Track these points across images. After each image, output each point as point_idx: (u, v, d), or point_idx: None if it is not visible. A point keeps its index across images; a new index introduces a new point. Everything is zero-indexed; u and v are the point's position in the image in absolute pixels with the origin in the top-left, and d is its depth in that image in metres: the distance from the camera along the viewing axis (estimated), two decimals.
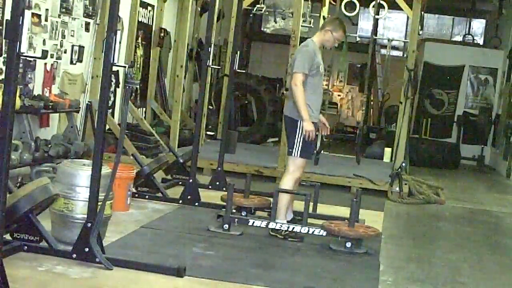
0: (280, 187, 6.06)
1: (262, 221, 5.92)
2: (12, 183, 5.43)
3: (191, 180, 6.98)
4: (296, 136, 5.93)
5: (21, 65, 6.91)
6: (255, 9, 13.27)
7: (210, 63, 7.40)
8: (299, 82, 5.82)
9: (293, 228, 5.85)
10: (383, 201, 8.49)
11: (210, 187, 7.77)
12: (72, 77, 8.50)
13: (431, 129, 14.56)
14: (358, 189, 6.91)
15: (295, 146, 5.94)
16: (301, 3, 9.23)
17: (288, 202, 6.03)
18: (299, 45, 9.24)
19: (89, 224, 4.58)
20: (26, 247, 4.65)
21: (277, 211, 5.94)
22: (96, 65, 8.67)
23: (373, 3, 12.64)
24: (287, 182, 6.00)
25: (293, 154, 5.97)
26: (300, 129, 5.91)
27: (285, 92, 10.09)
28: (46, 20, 7.68)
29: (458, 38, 18.44)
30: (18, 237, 4.69)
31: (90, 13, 8.72)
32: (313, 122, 5.93)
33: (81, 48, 8.66)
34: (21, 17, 3.47)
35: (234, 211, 6.30)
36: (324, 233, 5.78)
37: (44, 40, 7.68)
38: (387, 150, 11.19)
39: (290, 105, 6.05)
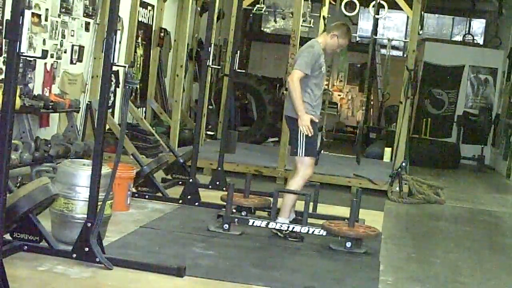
0: (289, 187, 6.06)
1: (262, 221, 5.93)
2: (12, 183, 5.43)
3: (191, 180, 6.98)
4: (298, 135, 5.94)
5: (21, 65, 6.91)
6: (255, 9, 13.27)
7: (210, 63, 7.40)
8: (296, 79, 5.82)
9: (293, 227, 5.85)
10: (383, 201, 8.49)
11: (210, 187, 7.77)
12: (72, 77, 8.50)
13: (431, 129, 14.55)
14: (358, 189, 6.91)
15: (299, 146, 5.95)
16: (301, 3, 9.24)
17: (294, 202, 6.05)
18: (299, 45, 9.27)
19: (89, 224, 4.58)
20: (26, 247, 4.65)
21: (282, 209, 5.97)
22: (96, 65, 8.68)
23: (373, 3, 12.63)
24: (297, 182, 5.99)
25: (298, 154, 5.97)
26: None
27: (285, 92, 10.09)
28: (46, 20, 7.69)
29: (458, 38, 18.43)
30: (18, 237, 4.69)
31: (90, 13, 8.72)
32: (314, 122, 5.95)
33: (81, 48, 8.67)
34: (21, 17, 3.47)
35: (234, 211, 6.30)
36: (324, 233, 5.78)
37: (44, 40, 7.68)
38: (387, 150, 11.19)
39: (290, 105, 6.06)
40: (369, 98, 15.15)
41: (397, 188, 8.76)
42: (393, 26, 19.86)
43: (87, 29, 8.74)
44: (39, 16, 7.49)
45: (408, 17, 15.27)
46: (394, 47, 17.50)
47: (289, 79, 5.90)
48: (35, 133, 7.53)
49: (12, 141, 3.79)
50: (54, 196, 4.80)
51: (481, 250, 6.62)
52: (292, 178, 6.12)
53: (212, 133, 11.87)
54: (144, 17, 10.84)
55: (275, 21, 19.00)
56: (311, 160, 6.05)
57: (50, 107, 7.38)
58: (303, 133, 5.91)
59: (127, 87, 4.70)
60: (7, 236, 4.61)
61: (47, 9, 7.68)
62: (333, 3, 12.65)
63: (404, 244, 6.44)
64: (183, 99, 11.09)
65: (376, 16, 12.99)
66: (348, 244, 5.67)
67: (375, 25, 14.12)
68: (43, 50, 7.60)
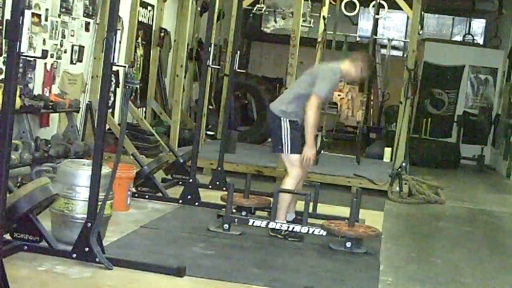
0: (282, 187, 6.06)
1: (262, 221, 5.93)
2: (12, 183, 5.43)
3: (191, 180, 6.98)
4: (282, 133, 5.95)
5: (21, 65, 6.91)
6: (255, 9, 13.28)
7: (210, 63, 7.40)
8: (315, 107, 5.82)
9: (293, 228, 5.85)
10: (383, 201, 8.48)
11: (210, 187, 7.77)
12: (72, 77, 8.50)
13: (431, 129, 14.54)
14: (358, 189, 6.91)
15: (284, 143, 5.95)
16: (301, 3, 9.23)
17: (289, 203, 6.03)
18: (299, 45, 9.27)
19: (89, 224, 4.58)
20: (26, 247, 4.65)
21: (277, 212, 5.95)
22: (96, 65, 8.67)
23: (373, 3, 12.63)
24: (289, 182, 5.98)
25: (284, 151, 5.97)
26: (285, 127, 5.93)
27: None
28: (46, 20, 7.69)
29: (458, 38, 18.43)
30: (18, 237, 4.69)
31: (90, 13, 8.72)
32: (296, 122, 5.97)
33: (81, 48, 8.67)
34: (21, 17, 3.47)
35: (234, 211, 6.30)
36: (324, 233, 5.78)
37: (44, 40, 7.68)
38: (387, 150, 11.18)
39: (282, 105, 6.03)
40: (369, 98, 15.15)
41: (397, 188, 8.75)
42: (393, 26, 19.86)
43: (87, 29, 8.74)
44: (39, 16, 7.49)
45: (408, 17, 15.27)
46: (394, 47, 17.49)
47: (308, 105, 5.81)
48: (35, 133, 7.53)
49: (12, 141, 3.79)
50: (54, 196, 4.80)
51: (481, 250, 6.62)
52: (284, 180, 6.11)
53: (212, 133, 11.87)
54: (144, 17, 10.84)
55: (275, 21, 19.00)
56: (298, 159, 6.02)
57: (50, 107, 7.38)
58: (287, 130, 5.93)
59: (127, 87, 4.70)
60: (7, 236, 4.61)
61: (47, 9, 7.68)
62: (333, 3, 12.64)
63: (404, 244, 6.44)
64: (183, 99, 11.08)
65: (376, 16, 12.99)
66: (348, 244, 5.67)
67: (375, 25, 14.13)
68: (43, 50, 7.61)
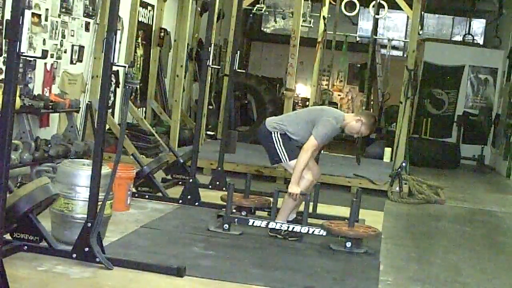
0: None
1: (262, 221, 5.93)
2: (12, 183, 5.43)
3: (191, 180, 6.98)
4: (275, 144, 5.99)
5: (21, 65, 6.91)
6: (255, 9, 13.29)
7: (210, 63, 7.40)
8: (312, 149, 5.84)
9: (293, 227, 5.85)
10: (383, 201, 8.48)
11: (210, 187, 7.77)
12: (72, 77, 8.50)
13: (431, 129, 14.54)
14: (358, 189, 6.91)
15: (280, 153, 5.98)
16: (301, 3, 9.25)
17: (294, 206, 6.04)
18: (299, 45, 9.27)
19: (89, 224, 4.58)
20: (26, 247, 4.65)
21: (281, 210, 5.97)
22: (96, 65, 8.67)
23: (373, 3, 12.63)
24: (302, 184, 5.97)
25: (282, 160, 6.00)
26: (277, 139, 5.99)
27: (285, 92, 10.09)
28: (46, 20, 7.69)
29: (458, 38, 18.43)
30: (18, 237, 4.69)
31: (90, 13, 8.72)
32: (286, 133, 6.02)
33: (81, 48, 8.67)
34: (21, 17, 3.47)
35: (234, 211, 6.30)
36: (324, 233, 5.78)
37: (44, 40, 7.68)
38: (387, 150, 11.19)
39: (275, 123, 6.08)
40: (369, 98, 15.15)
41: (397, 188, 8.75)
42: (393, 26, 19.87)
43: (87, 29, 8.74)
44: (39, 16, 7.49)
45: (408, 17, 15.27)
46: (394, 47, 17.51)
47: (305, 146, 5.83)
48: (35, 133, 7.53)
49: (12, 141, 3.79)
50: (54, 196, 4.80)
51: (481, 250, 6.62)
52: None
53: (212, 133, 11.87)
54: (144, 17, 10.84)
55: (275, 21, 19.01)
56: None
57: (50, 107, 7.38)
58: (279, 141, 5.97)
59: (127, 87, 4.70)
60: (7, 236, 4.61)
61: (47, 9, 7.68)
62: (333, 3, 12.65)
63: (404, 244, 6.44)
64: (183, 99, 11.09)
65: (376, 16, 12.99)
66: (348, 244, 5.67)
67: (375, 25, 14.13)
68: (43, 50, 7.60)
